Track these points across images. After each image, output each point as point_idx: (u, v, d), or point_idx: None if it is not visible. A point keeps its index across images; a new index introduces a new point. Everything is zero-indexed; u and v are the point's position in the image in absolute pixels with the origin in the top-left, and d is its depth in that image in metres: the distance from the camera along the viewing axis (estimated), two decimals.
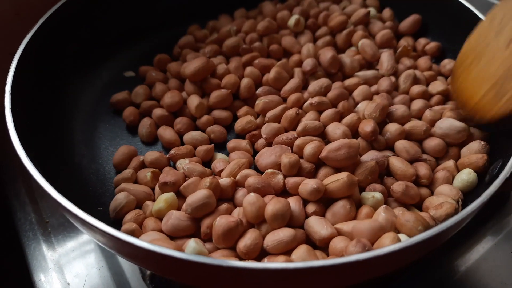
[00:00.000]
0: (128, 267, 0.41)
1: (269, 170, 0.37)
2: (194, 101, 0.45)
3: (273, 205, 0.33)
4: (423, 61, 0.50)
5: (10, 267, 0.47)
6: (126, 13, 0.54)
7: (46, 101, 0.44)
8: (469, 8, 0.47)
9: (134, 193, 0.38)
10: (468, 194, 0.38)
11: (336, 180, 0.34)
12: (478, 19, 0.45)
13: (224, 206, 0.35)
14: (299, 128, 0.40)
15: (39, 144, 0.39)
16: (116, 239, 0.27)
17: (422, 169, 0.38)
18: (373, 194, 0.36)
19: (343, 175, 0.34)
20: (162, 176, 0.38)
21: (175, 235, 0.35)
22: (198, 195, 0.34)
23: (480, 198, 0.29)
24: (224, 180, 0.37)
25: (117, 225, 0.37)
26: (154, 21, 0.56)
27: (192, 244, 0.31)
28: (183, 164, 0.40)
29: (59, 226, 0.44)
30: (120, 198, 0.37)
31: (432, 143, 0.40)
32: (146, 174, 0.40)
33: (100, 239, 0.30)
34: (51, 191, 0.30)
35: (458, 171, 0.39)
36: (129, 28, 0.54)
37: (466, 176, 0.37)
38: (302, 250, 0.31)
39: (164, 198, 0.36)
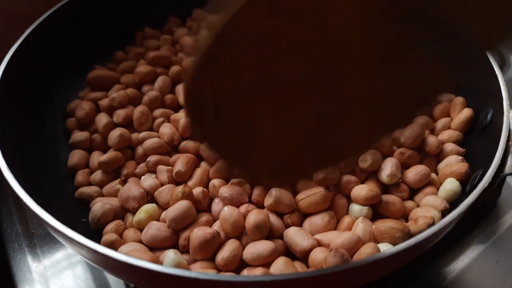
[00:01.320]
0: (113, 279, 0.40)
1: (235, 180, 0.37)
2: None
3: (255, 215, 0.33)
4: None
5: None
6: (115, 19, 0.55)
7: (32, 109, 0.44)
8: None
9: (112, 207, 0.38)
10: (453, 204, 0.38)
11: (313, 193, 0.34)
12: None
13: (204, 218, 0.35)
14: None
15: (23, 153, 0.39)
16: (93, 251, 0.27)
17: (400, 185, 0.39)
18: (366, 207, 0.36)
19: (320, 189, 0.34)
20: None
21: (155, 246, 0.35)
22: (179, 208, 0.34)
23: (458, 208, 0.29)
24: (196, 190, 0.37)
25: (100, 237, 0.37)
26: (142, 27, 0.56)
27: (171, 255, 0.31)
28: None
29: (45, 237, 0.44)
30: (95, 209, 0.37)
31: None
32: (115, 186, 0.40)
33: (80, 252, 0.30)
34: (29, 201, 0.31)
35: (441, 183, 0.40)
36: (118, 35, 0.55)
37: (449, 185, 0.38)
38: (280, 262, 0.31)
39: (145, 209, 0.36)
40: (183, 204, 0.34)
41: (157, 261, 0.32)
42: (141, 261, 0.25)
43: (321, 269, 0.25)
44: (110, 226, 0.37)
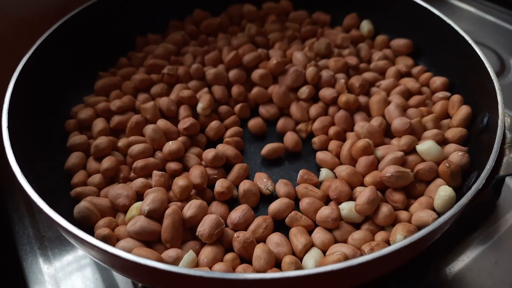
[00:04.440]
0: (122, 280, 0.42)
1: None
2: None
3: None
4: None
5: (7, 280, 0.48)
6: (123, 28, 0.56)
7: (43, 116, 0.45)
8: (451, 25, 0.49)
9: (100, 207, 0.39)
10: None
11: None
12: (462, 38, 0.47)
13: None
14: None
15: (35, 158, 0.40)
16: (103, 251, 0.28)
17: (395, 195, 0.40)
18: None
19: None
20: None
21: (141, 238, 0.36)
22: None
23: (452, 209, 0.30)
24: None
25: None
26: (148, 32, 0.58)
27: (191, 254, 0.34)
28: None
29: (56, 240, 0.45)
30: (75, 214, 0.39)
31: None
32: None
33: (90, 252, 0.31)
34: (42, 205, 0.32)
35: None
36: (125, 44, 0.56)
37: (443, 192, 0.38)
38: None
39: (136, 206, 0.38)
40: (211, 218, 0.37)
41: (163, 260, 0.34)
42: (149, 261, 0.27)
43: (321, 267, 0.26)
44: (103, 221, 0.38)
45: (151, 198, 0.37)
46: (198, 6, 0.59)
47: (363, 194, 0.38)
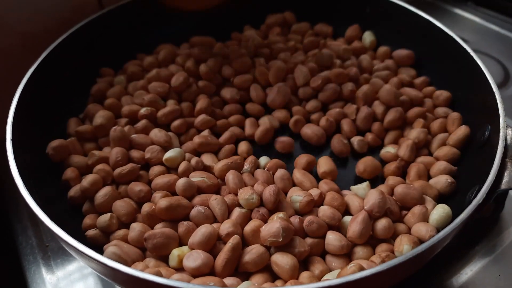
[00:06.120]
0: None
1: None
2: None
3: None
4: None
5: None
6: (126, 41, 0.57)
7: (47, 128, 0.46)
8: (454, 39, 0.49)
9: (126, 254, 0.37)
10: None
11: None
12: (464, 49, 0.47)
13: None
14: None
15: (38, 170, 0.41)
16: (102, 264, 0.28)
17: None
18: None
19: None
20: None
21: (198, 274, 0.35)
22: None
23: (452, 224, 0.30)
24: None
25: None
26: (150, 48, 0.58)
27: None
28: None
29: (59, 250, 0.45)
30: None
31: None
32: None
33: (90, 265, 0.31)
34: (44, 218, 0.33)
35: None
36: (128, 57, 0.57)
37: (442, 208, 0.38)
38: None
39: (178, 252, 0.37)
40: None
41: (162, 274, 0.34)
42: (147, 275, 0.27)
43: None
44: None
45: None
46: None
47: (355, 225, 0.37)
